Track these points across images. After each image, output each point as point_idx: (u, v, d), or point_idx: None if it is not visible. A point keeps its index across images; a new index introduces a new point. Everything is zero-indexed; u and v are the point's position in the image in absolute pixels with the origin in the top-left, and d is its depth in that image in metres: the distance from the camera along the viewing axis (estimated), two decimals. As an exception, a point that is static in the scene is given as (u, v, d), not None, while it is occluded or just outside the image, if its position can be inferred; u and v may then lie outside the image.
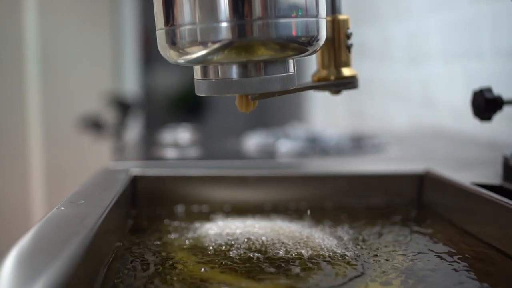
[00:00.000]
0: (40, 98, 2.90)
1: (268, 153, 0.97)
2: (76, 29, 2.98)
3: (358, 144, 0.99)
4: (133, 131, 2.84)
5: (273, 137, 1.06)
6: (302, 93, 2.92)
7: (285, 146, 0.98)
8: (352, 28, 0.57)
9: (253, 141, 1.05)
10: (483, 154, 0.96)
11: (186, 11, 0.45)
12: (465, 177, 0.66)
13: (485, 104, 0.62)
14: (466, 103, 1.23)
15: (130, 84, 3.14)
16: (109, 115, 2.68)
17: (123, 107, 2.66)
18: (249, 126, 1.29)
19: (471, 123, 1.17)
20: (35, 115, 2.90)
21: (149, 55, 3.96)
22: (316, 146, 0.98)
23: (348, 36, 0.56)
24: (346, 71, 0.56)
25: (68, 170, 2.87)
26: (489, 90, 0.62)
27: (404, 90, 1.61)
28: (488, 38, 1.11)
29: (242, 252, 0.53)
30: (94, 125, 2.61)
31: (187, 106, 4.62)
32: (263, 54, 0.45)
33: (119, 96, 2.72)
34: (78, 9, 2.98)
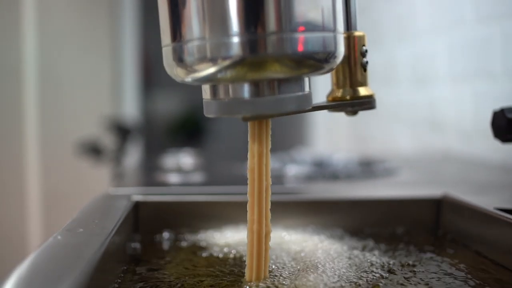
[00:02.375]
0: (38, 122, 2.87)
1: (275, 178, 0.93)
2: (75, 53, 2.96)
3: (368, 168, 0.96)
4: (133, 156, 2.81)
5: (279, 161, 1.03)
6: (304, 117, 2.88)
7: (293, 171, 0.95)
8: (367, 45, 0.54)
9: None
10: (497, 178, 0.92)
11: (194, 25, 0.42)
12: (483, 201, 0.63)
13: (507, 125, 0.59)
14: (476, 125, 1.21)
15: (130, 108, 3.12)
16: (108, 140, 2.65)
17: (123, 132, 2.63)
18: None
19: (481, 146, 1.15)
20: (34, 139, 2.87)
21: (149, 80, 3.94)
22: (324, 170, 0.95)
23: (364, 54, 0.53)
24: (362, 91, 0.53)
25: (66, 196, 2.83)
26: (511, 110, 0.59)
27: (409, 112, 1.58)
28: (499, 58, 1.08)
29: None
30: (93, 150, 2.59)
31: (187, 132, 4.59)
32: (277, 71, 0.42)
33: (118, 121, 2.70)
34: (78, 33, 2.97)
